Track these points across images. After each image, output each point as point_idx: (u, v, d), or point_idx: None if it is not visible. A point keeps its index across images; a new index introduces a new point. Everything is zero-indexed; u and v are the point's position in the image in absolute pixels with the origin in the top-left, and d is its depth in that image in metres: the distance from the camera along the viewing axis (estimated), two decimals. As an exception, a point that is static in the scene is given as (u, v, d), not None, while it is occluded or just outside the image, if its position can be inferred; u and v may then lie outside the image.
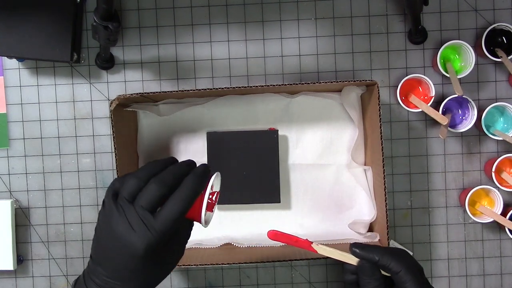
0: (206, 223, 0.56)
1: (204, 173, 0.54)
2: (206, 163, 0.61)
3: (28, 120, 0.84)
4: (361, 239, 0.79)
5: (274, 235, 0.65)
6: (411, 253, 0.64)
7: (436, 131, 0.83)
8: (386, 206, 0.72)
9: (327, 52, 0.83)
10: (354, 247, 0.64)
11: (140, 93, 0.73)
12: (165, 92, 0.74)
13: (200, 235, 0.82)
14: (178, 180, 0.53)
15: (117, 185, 0.53)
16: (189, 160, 0.57)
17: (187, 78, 0.83)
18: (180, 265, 0.74)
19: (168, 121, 0.82)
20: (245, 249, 0.80)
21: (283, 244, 0.81)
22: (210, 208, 0.57)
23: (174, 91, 0.76)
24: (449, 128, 0.79)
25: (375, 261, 0.62)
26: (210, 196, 0.55)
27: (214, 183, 0.56)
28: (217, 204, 0.82)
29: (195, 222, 0.57)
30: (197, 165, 0.56)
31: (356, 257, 0.64)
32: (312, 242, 0.65)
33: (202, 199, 0.53)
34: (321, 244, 0.65)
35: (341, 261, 0.65)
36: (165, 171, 0.53)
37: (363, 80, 0.73)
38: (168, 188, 0.51)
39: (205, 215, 0.54)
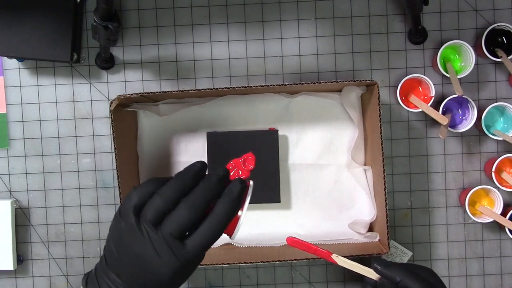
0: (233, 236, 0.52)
1: (241, 194, 0.48)
2: (243, 177, 0.56)
3: (28, 120, 0.84)
4: (361, 239, 0.79)
5: (293, 242, 0.62)
6: (434, 272, 0.63)
7: (436, 131, 0.83)
8: (386, 206, 0.72)
9: (327, 52, 0.83)
10: (376, 264, 0.61)
11: (140, 93, 0.73)
12: (165, 92, 0.74)
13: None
14: (210, 202, 0.48)
15: (137, 200, 0.47)
16: (222, 170, 0.49)
17: (187, 78, 0.83)
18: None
19: (168, 121, 0.82)
20: (245, 249, 0.80)
21: (284, 244, 0.81)
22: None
23: (174, 91, 0.76)
24: (449, 128, 0.79)
25: (397, 282, 0.60)
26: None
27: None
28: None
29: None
30: (232, 180, 0.49)
31: (378, 274, 0.62)
32: (332, 253, 0.63)
33: (237, 219, 0.49)
34: (341, 256, 0.63)
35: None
36: (195, 192, 0.47)
37: (363, 80, 0.73)
38: (200, 213, 0.47)
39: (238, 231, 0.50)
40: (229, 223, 0.48)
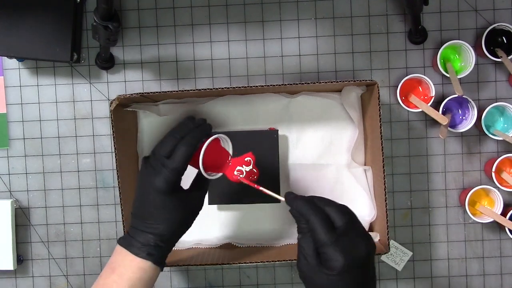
0: (208, 174, 0.66)
1: (203, 128, 0.67)
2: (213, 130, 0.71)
3: (28, 120, 0.84)
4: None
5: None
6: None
7: (436, 131, 0.83)
8: (386, 206, 0.72)
9: (327, 52, 0.83)
10: (286, 194, 0.62)
11: (140, 93, 0.73)
12: (165, 92, 0.74)
13: (200, 235, 0.82)
14: (187, 133, 0.65)
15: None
16: (201, 119, 0.70)
17: (187, 78, 0.83)
18: (180, 265, 0.75)
19: (168, 121, 0.82)
20: (245, 249, 0.80)
21: (284, 244, 0.81)
22: (223, 169, 0.67)
23: (174, 91, 0.76)
24: (449, 128, 0.79)
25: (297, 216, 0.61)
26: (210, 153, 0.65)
27: (224, 144, 0.68)
28: (217, 204, 0.82)
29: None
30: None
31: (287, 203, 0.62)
32: (258, 186, 0.66)
33: (199, 151, 0.64)
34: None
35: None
36: (176, 127, 0.67)
37: (363, 80, 0.73)
38: (179, 139, 0.64)
39: (202, 163, 0.64)
40: (195, 145, 0.64)
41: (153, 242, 0.63)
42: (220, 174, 0.68)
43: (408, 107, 0.80)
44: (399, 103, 0.80)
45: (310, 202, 0.60)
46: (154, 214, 0.64)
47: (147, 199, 0.64)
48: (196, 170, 0.66)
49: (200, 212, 0.85)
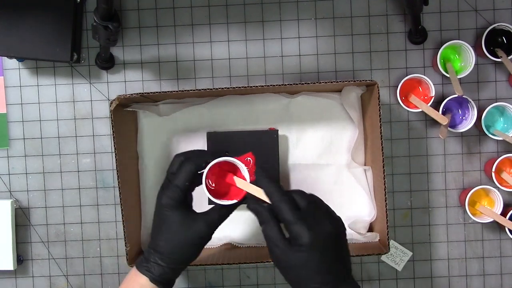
0: (220, 200, 0.65)
1: (214, 152, 0.67)
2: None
3: (28, 120, 0.84)
4: (361, 239, 0.79)
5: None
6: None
7: (436, 131, 0.83)
8: (386, 206, 0.72)
9: (327, 52, 0.83)
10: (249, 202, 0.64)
11: (140, 93, 0.73)
12: (165, 92, 0.74)
13: (200, 235, 0.82)
14: (195, 154, 0.67)
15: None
16: (204, 153, 0.70)
17: (187, 78, 0.83)
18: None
19: (168, 121, 0.82)
20: (245, 249, 0.80)
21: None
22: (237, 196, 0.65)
23: (174, 91, 0.76)
24: (449, 128, 0.79)
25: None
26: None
27: (243, 172, 0.65)
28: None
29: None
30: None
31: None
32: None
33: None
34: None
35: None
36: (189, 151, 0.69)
37: (363, 80, 0.73)
38: (185, 159, 0.66)
39: (206, 183, 0.64)
40: (192, 169, 0.65)
41: (152, 259, 0.64)
42: (234, 201, 0.65)
43: (408, 107, 0.80)
44: (399, 103, 0.80)
45: (275, 184, 0.62)
46: (157, 230, 0.65)
47: (154, 215, 0.66)
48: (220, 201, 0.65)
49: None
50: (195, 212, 0.66)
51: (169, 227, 0.64)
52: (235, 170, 0.66)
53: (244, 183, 0.64)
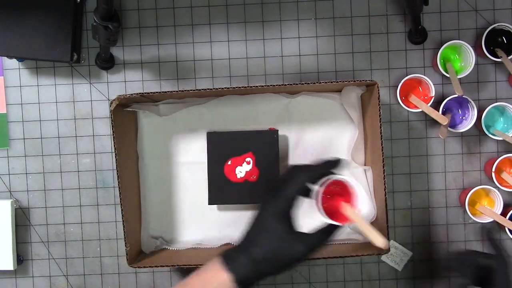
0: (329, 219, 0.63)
1: (329, 165, 0.66)
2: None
3: (28, 120, 0.84)
4: (361, 239, 0.79)
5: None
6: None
7: (436, 131, 0.83)
8: (386, 206, 0.72)
9: (327, 52, 0.83)
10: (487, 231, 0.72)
11: (140, 93, 0.73)
12: (165, 92, 0.74)
13: (200, 235, 0.82)
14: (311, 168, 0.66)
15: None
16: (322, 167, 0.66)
17: (187, 78, 0.84)
18: (180, 266, 0.74)
19: (168, 121, 0.82)
20: (245, 249, 0.80)
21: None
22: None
23: (174, 91, 0.76)
24: (449, 128, 0.79)
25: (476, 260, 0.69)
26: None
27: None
28: (217, 204, 0.82)
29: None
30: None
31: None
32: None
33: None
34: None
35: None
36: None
37: (363, 80, 0.73)
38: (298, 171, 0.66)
39: (319, 208, 0.63)
40: (295, 189, 0.63)
41: (243, 260, 0.62)
42: (341, 224, 0.63)
43: (408, 107, 0.80)
44: (399, 103, 0.80)
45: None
46: (255, 233, 0.64)
47: (256, 217, 0.65)
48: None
49: (200, 212, 0.85)
50: (296, 230, 0.63)
51: (270, 237, 0.62)
52: (343, 189, 0.64)
53: (358, 217, 0.61)
